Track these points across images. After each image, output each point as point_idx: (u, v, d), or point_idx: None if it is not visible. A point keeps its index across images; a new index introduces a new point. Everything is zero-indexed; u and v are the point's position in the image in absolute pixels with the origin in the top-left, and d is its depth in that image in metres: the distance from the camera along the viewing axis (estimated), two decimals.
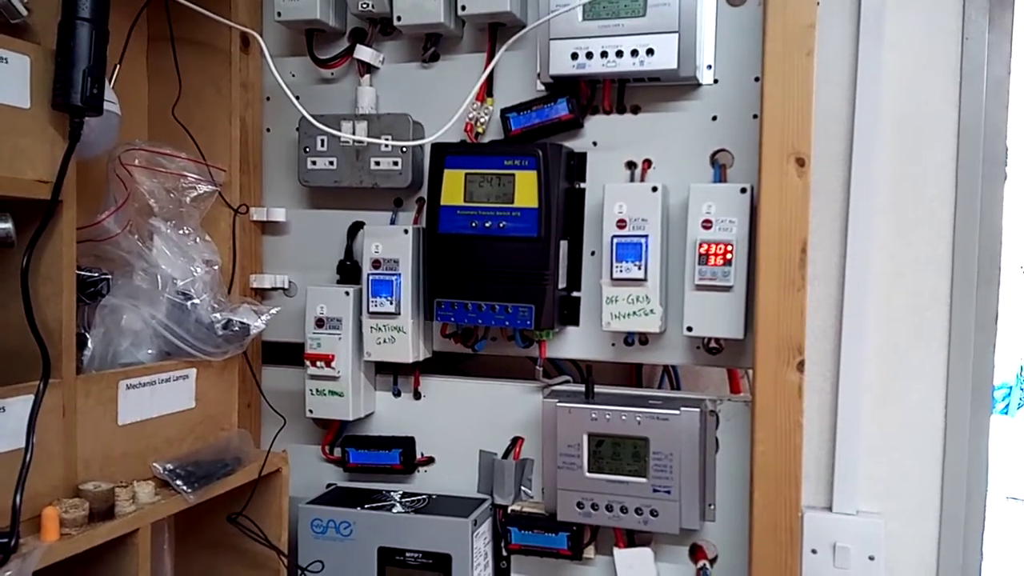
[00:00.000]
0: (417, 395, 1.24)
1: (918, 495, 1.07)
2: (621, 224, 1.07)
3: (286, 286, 1.28)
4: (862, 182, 1.06)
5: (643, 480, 1.06)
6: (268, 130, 1.28)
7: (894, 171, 1.06)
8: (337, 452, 1.26)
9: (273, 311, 1.09)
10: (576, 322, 1.16)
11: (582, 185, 1.15)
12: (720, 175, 1.08)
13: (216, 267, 1.06)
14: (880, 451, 1.08)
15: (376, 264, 1.16)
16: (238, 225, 1.15)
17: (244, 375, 1.20)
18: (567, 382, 1.18)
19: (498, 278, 1.10)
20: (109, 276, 0.98)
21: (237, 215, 1.14)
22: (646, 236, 1.05)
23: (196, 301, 1.01)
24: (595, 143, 1.14)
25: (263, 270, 1.28)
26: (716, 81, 1.08)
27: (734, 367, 1.14)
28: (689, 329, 1.05)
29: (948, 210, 1.05)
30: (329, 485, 1.27)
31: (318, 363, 1.18)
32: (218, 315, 1.03)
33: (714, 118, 1.09)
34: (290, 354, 1.27)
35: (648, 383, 1.30)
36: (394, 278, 1.15)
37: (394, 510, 1.15)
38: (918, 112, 1.05)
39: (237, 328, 1.05)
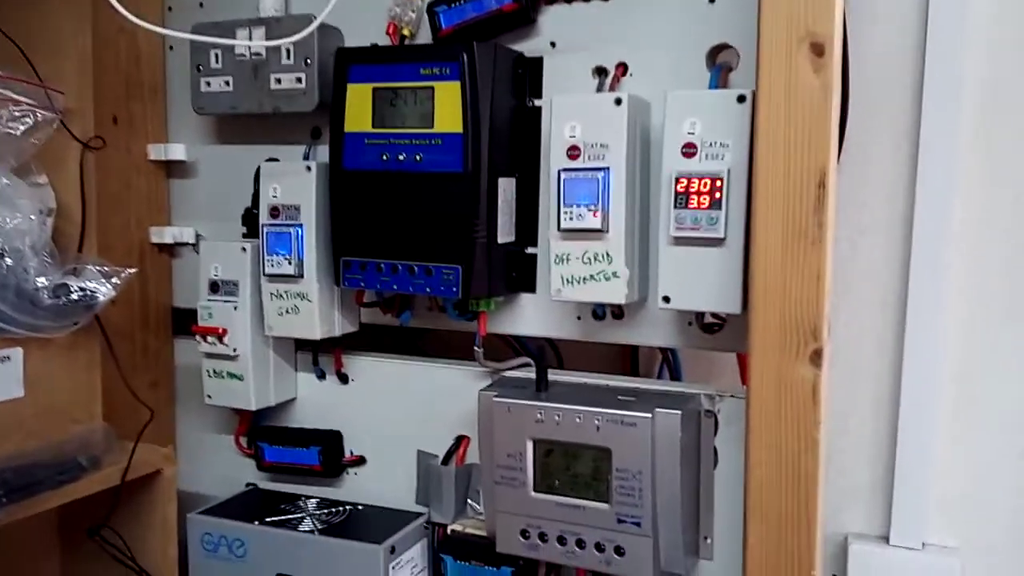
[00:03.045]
0: (343, 378, 0.98)
1: (1008, 525, 0.80)
2: (573, 153, 0.77)
3: (193, 240, 1.04)
4: (938, 94, 0.74)
5: (605, 506, 0.78)
6: (171, 48, 1.04)
7: (982, 78, 0.74)
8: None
9: (126, 274, 0.84)
10: (531, 287, 0.87)
11: (537, 102, 0.85)
12: (718, 80, 0.76)
13: (47, 216, 0.82)
14: (958, 464, 0.80)
15: (275, 212, 0.90)
16: (91, 163, 0.89)
17: (152, 353, 0.97)
18: (527, 366, 0.90)
19: (416, 230, 0.82)
20: None
21: (88, 150, 0.88)
22: (606, 169, 0.75)
23: (9, 262, 0.77)
24: (553, 44, 0.84)
25: (170, 221, 1.05)
26: None
27: (740, 351, 0.83)
28: (666, 300, 0.75)
29: None
30: (248, 485, 1.03)
31: (209, 338, 0.93)
32: (44, 279, 0.79)
33: (711, 1, 0.77)
34: None
35: (647, 370, 1.00)
36: (293, 230, 0.88)
37: (300, 527, 0.91)
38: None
39: (76, 296, 0.81)
